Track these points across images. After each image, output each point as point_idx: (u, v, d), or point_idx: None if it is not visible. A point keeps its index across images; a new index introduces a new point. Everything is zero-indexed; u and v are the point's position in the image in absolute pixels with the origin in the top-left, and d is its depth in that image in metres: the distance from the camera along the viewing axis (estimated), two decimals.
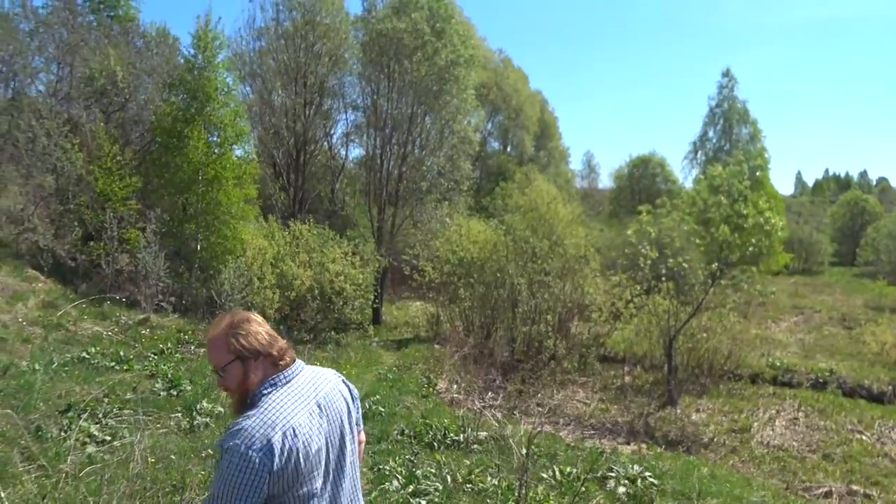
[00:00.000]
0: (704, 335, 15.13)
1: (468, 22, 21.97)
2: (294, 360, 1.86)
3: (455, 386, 12.04)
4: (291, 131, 21.14)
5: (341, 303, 14.81)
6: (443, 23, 21.09)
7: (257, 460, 1.58)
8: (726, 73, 40.62)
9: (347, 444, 1.88)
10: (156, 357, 9.60)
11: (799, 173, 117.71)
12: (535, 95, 45.34)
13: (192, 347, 10.91)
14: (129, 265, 11.95)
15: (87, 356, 8.71)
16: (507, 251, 15.64)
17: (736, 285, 16.88)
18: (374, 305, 18.18)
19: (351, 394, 2.00)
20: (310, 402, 1.77)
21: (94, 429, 5.80)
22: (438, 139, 21.44)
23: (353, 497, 1.91)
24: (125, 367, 8.68)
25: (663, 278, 14.49)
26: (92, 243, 12.74)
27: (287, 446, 1.63)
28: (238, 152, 14.48)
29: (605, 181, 48.90)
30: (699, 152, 41.09)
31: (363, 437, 2.13)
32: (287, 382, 1.78)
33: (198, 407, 7.15)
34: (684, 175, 41.34)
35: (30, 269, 11.36)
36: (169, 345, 10.31)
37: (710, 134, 40.98)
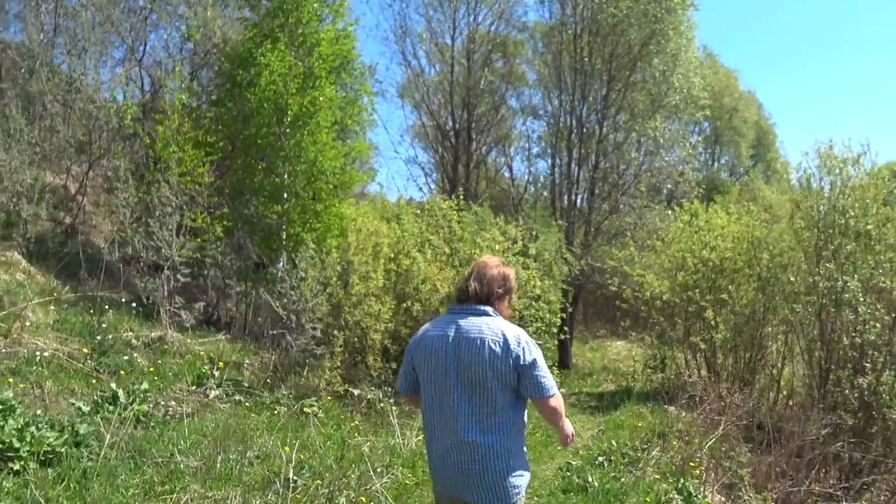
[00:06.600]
0: None
1: None
2: (463, 304, 2.58)
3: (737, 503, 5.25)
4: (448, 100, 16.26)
5: None
6: None
7: (408, 345, 2.71)
8: None
9: (470, 370, 2.43)
10: (101, 405, 4.53)
11: None
12: (750, 96, 36.40)
13: (216, 389, 5.68)
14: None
15: None
16: (805, 237, 8.43)
17: None
18: (562, 337, 11.61)
19: (507, 346, 2.41)
20: (447, 330, 2.52)
21: None
22: (650, 104, 14.80)
23: (468, 419, 2.42)
24: None
25: None
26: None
27: (414, 344, 2.63)
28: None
29: None
30: None
31: (552, 403, 2.47)
32: (449, 313, 2.61)
33: None
34: None
35: (15, 252, 7.24)
36: (162, 383, 5.17)
37: None
